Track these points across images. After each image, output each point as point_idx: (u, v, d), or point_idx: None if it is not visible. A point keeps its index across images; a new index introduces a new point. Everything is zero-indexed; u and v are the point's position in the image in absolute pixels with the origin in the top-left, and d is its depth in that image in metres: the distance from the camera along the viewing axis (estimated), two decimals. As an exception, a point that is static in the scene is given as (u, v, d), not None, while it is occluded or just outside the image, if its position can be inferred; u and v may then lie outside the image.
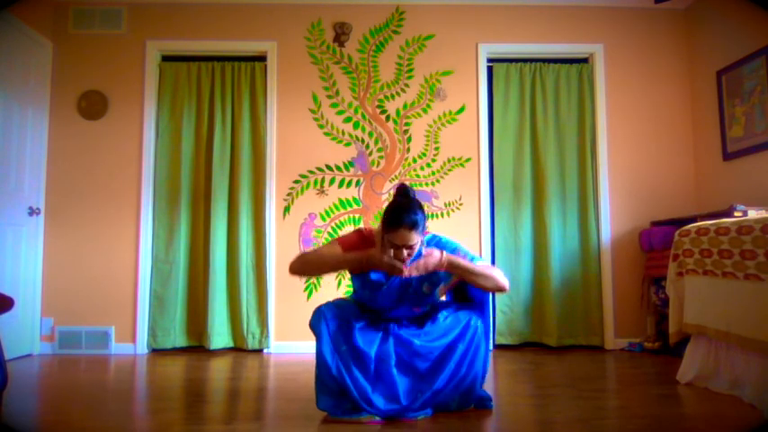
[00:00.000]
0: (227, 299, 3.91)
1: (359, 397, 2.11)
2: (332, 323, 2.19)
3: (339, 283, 3.89)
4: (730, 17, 3.80)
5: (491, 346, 2.35)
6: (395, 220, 2.03)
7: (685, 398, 2.53)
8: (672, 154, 4.11)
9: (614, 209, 4.03)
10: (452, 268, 2.14)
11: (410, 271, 2.07)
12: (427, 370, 2.19)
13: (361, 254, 2.14)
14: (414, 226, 2.03)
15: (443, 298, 2.43)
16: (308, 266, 2.21)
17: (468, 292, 2.41)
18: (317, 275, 2.23)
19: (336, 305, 2.27)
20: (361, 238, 2.23)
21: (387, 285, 2.20)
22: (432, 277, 2.18)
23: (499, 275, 2.18)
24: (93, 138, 3.97)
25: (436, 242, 2.28)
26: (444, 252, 2.14)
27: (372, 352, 2.16)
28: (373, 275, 2.20)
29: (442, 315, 2.29)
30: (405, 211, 2.05)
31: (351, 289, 2.51)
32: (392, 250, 2.07)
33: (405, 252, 2.07)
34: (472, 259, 2.20)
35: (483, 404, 2.30)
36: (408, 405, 2.14)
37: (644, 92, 4.14)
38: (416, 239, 2.06)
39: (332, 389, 2.14)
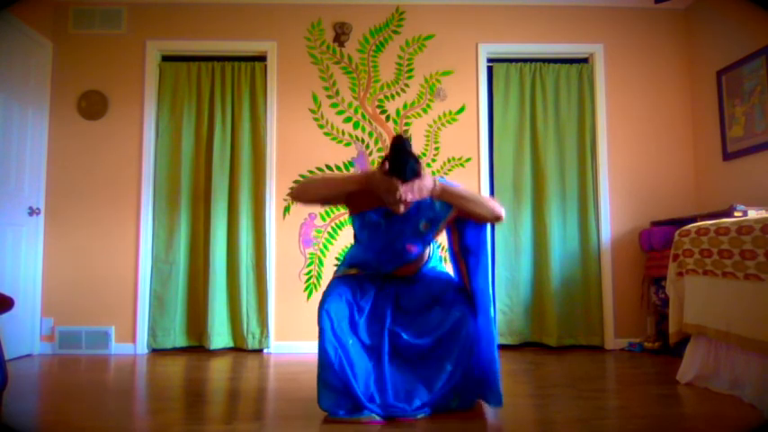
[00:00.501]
0: (227, 299, 3.91)
1: (360, 394, 2.12)
2: (335, 318, 2.19)
3: (339, 283, 3.88)
4: (730, 17, 3.80)
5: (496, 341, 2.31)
6: (394, 173, 2.04)
7: (685, 398, 2.53)
8: (672, 154, 4.11)
9: (614, 209, 4.03)
10: (445, 194, 2.13)
11: (405, 194, 2.04)
12: (423, 368, 2.21)
13: (361, 174, 2.16)
14: (412, 180, 2.05)
15: (445, 250, 2.40)
16: (309, 187, 2.21)
17: (465, 239, 2.29)
18: (318, 199, 2.22)
19: (338, 300, 2.24)
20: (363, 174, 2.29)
21: (385, 223, 2.19)
22: (428, 214, 2.19)
23: (494, 203, 2.16)
24: (93, 138, 3.97)
25: (431, 204, 2.25)
26: (438, 180, 2.13)
27: (375, 345, 2.20)
28: (372, 215, 2.20)
29: (435, 310, 2.28)
30: (401, 165, 2.04)
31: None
32: (390, 200, 2.10)
33: (402, 206, 2.11)
34: None
35: (487, 400, 2.25)
36: (405, 401, 2.15)
37: (644, 92, 4.14)
38: (411, 196, 2.09)
39: (334, 386, 2.14)
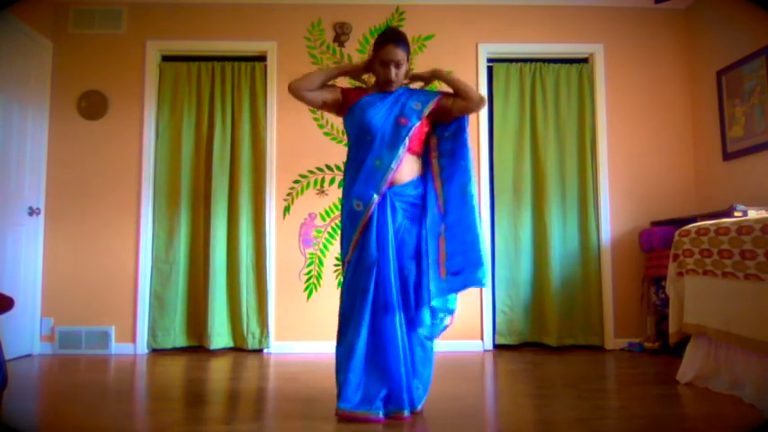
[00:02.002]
0: (227, 299, 3.91)
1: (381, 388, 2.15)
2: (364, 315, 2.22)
3: (339, 283, 3.88)
4: (730, 17, 3.80)
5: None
6: (383, 37, 2.27)
7: (685, 398, 2.53)
8: (672, 154, 4.11)
9: (614, 209, 4.03)
10: (438, 73, 2.36)
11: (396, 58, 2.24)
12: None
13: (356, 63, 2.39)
14: (399, 42, 2.25)
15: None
16: (308, 77, 2.36)
17: (442, 144, 2.40)
18: (317, 83, 2.37)
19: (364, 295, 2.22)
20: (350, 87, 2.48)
21: (379, 101, 2.31)
22: (420, 97, 2.34)
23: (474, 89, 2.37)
24: (93, 138, 3.97)
25: (423, 91, 2.41)
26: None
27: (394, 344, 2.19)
28: (366, 97, 2.33)
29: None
30: (392, 31, 2.30)
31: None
32: (381, 69, 2.27)
33: (392, 70, 2.25)
34: None
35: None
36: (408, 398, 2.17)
37: (644, 92, 4.14)
38: (402, 56, 2.25)
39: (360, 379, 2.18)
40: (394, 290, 2.18)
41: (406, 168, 2.28)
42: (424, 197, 2.35)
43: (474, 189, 2.29)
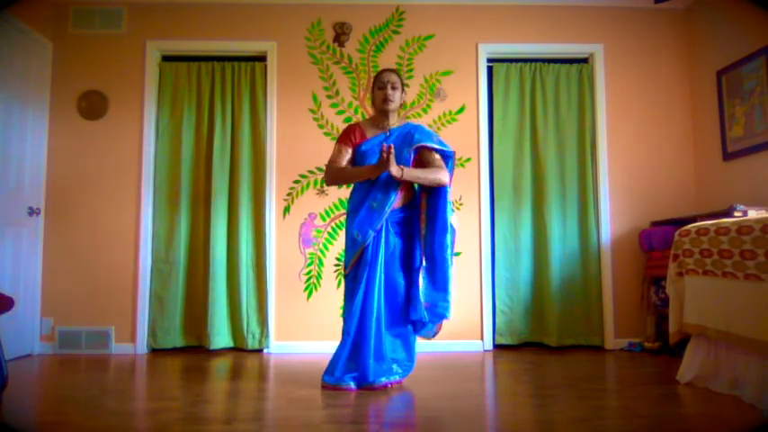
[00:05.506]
0: (227, 299, 3.91)
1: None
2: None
3: (339, 283, 3.89)
4: (730, 17, 3.80)
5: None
6: (378, 72, 2.81)
7: (685, 398, 2.53)
8: (672, 154, 4.11)
9: (614, 209, 4.03)
10: (410, 175, 2.61)
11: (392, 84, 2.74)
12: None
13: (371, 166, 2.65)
14: (392, 70, 2.80)
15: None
16: (338, 179, 2.77)
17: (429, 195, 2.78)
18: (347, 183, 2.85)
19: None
20: (347, 128, 2.84)
21: (379, 146, 2.68)
22: (408, 140, 2.73)
23: (442, 175, 2.67)
24: (93, 138, 3.97)
25: (413, 126, 2.79)
26: (404, 169, 2.60)
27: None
28: (369, 141, 2.75)
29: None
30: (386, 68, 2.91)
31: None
32: (379, 92, 2.72)
33: (389, 90, 2.69)
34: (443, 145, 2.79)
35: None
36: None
37: (644, 92, 4.14)
38: (395, 79, 2.73)
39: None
40: (375, 299, 2.62)
41: (398, 200, 2.70)
42: (414, 214, 2.77)
43: (449, 241, 2.67)
